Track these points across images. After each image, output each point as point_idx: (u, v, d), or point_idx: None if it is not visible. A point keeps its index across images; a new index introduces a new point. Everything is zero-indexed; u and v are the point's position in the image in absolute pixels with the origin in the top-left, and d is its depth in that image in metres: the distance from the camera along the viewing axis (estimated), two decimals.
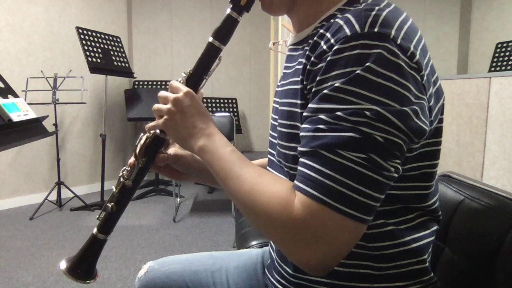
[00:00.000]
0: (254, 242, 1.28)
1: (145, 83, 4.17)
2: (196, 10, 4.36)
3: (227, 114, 3.31)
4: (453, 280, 0.72)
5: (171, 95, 0.65)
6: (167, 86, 0.65)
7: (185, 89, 0.65)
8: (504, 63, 2.97)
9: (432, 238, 0.61)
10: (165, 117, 0.65)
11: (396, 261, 0.58)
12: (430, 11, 4.09)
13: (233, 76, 4.45)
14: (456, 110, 2.14)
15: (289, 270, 0.64)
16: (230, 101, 4.24)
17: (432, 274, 0.62)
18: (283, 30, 2.46)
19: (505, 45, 3.03)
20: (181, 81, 0.69)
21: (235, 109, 4.23)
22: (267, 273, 0.75)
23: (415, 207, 0.59)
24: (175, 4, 4.33)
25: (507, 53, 2.98)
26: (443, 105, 0.59)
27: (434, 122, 0.55)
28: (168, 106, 0.65)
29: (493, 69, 3.06)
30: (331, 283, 0.59)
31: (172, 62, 4.37)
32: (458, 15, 4.06)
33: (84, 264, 0.72)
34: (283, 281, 0.67)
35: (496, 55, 3.07)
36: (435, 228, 0.62)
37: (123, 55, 3.56)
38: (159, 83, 4.17)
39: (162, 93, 0.67)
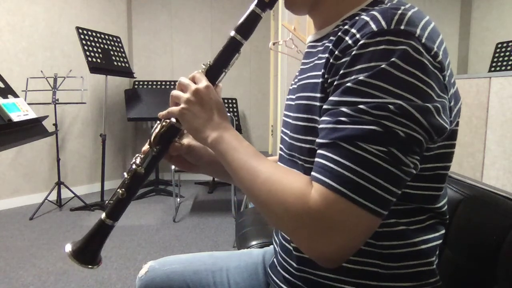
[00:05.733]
0: (254, 242, 1.28)
1: (145, 83, 4.17)
2: (196, 10, 4.36)
3: (227, 114, 3.31)
4: (453, 280, 0.72)
5: (192, 85, 0.65)
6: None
7: (206, 82, 0.65)
8: (504, 63, 2.97)
9: (440, 241, 0.61)
10: (182, 105, 0.65)
11: (404, 261, 0.58)
12: (430, 11, 4.09)
13: (233, 76, 4.45)
14: None
15: (293, 263, 0.65)
16: (230, 101, 4.24)
17: (438, 277, 0.62)
18: (283, 30, 2.46)
19: (505, 45, 3.03)
20: (201, 72, 0.68)
21: (235, 109, 4.23)
22: (270, 272, 0.75)
23: (427, 208, 0.59)
24: (175, 4, 4.33)
25: (507, 53, 2.98)
26: (460, 108, 0.59)
27: (453, 122, 0.56)
28: (188, 95, 0.65)
29: (493, 69, 3.06)
30: (337, 279, 0.59)
31: (172, 62, 4.37)
32: (458, 15, 4.07)
33: (89, 249, 0.71)
34: (288, 276, 0.67)
35: (496, 55, 3.07)
36: (443, 231, 0.62)
37: (123, 55, 3.56)
38: (159, 83, 4.17)
39: (184, 80, 0.67)
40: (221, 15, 4.38)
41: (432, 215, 0.60)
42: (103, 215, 0.71)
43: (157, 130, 0.70)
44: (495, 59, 3.06)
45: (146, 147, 0.72)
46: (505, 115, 1.85)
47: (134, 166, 0.70)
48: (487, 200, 0.71)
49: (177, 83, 0.68)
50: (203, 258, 0.89)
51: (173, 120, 0.69)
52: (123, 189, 0.70)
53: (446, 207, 0.63)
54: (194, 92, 0.64)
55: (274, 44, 2.38)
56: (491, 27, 3.76)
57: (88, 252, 0.71)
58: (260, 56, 4.47)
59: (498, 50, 3.07)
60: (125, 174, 0.71)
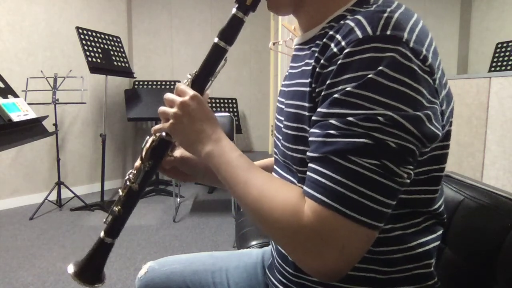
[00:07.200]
0: (254, 242, 1.28)
1: (145, 83, 4.16)
2: (196, 10, 4.36)
3: (227, 114, 3.31)
4: (453, 280, 0.72)
5: (177, 99, 0.64)
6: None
7: (191, 92, 0.64)
8: (504, 63, 2.97)
9: (438, 242, 0.61)
10: (171, 121, 0.64)
11: (402, 265, 0.57)
12: (430, 11, 4.09)
13: (233, 76, 4.45)
14: (456, 110, 2.14)
15: (289, 269, 0.64)
16: (230, 101, 4.24)
17: (436, 278, 0.61)
18: (283, 30, 2.46)
19: (505, 45, 3.03)
20: (187, 83, 0.67)
21: (235, 109, 4.23)
22: (268, 273, 0.75)
23: (422, 211, 0.59)
24: (175, 4, 4.33)
25: (507, 53, 2.98)
26: (453, 107, 0.58)
27: (446, 126, 0.55)
28: (175, 110, 0.63)
29: (493, 69, 3.06)
30: (333, 285, 0.59)
31: (172, 62, 4.37)
32: (458, 15, 4.06)
33: (91, 268, 0.72)
34: (284, 281, 0.67)
35: (496, 55, 3.07)
36: (440, 232, 0.62)
37: (123, 55, 3.56)
38: (159, 83, 4.17)
39: (169, 96, 0.66)
40: (221, 15, 4.38)
41: (429, 217, 0.60)
42: (102, 233, 0.71)
43: (147, 145, 0.70)
44: (495, 59, 3.06)
45: (138, 162, 0.71)
46: (505, 115, 1.85)
47: (128, 183, 0.70)
48: (487, 200, 0.71)
49: (163, 99, 0.67)
50: (202, 258, 0.89)
51: (163, 134, 0.68)
52: (119, 207, 0.70)
53: (443, 207, 0.62)
54: (180, 105, 0.63)
55: (274, 44, 2.38)
56: (491, 27, 3.75)
57: (90, 272, 0.71)
58: (260, 56, 4.47)
59: (498, 50, 3.07)
60: (120, 192, 0.71)
